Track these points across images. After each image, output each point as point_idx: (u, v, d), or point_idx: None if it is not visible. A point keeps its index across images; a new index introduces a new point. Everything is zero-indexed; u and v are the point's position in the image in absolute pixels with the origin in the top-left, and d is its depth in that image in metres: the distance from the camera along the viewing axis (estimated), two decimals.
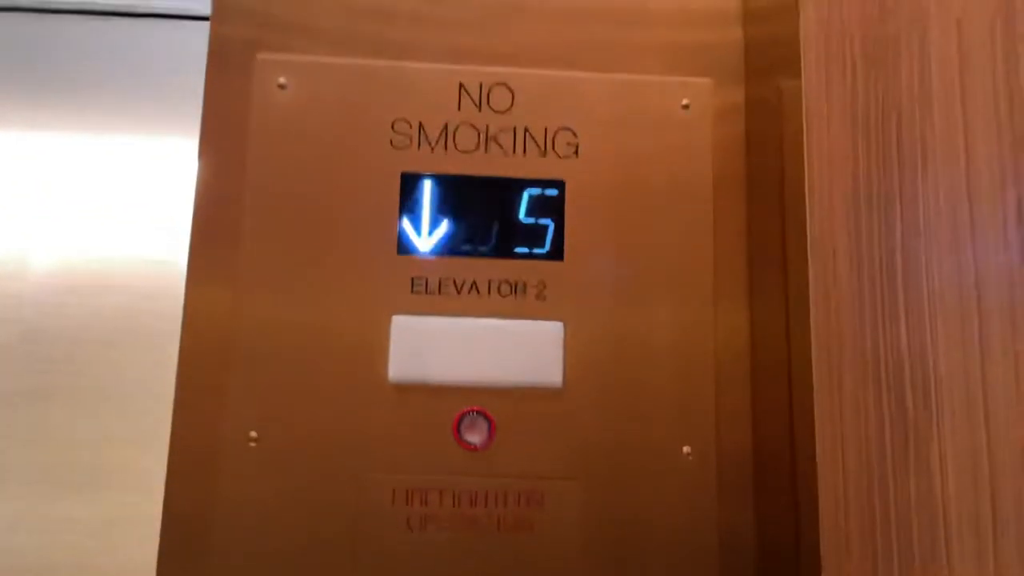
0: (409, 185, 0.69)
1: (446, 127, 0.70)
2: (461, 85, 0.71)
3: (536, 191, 0.70)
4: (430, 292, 0.68)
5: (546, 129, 0.71)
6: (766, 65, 0.72)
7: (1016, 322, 0.36)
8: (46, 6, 0.95)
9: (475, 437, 0.67)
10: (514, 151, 0.70)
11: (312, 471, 0.65)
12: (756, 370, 0.69)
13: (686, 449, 0.67)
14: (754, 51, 0.74)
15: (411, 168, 0.69)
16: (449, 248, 0.69)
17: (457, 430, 0.66)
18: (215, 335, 0.67)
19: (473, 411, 0.67)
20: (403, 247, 0.69)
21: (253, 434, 0.65)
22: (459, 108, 0.71)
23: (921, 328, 0.42)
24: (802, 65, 0.58)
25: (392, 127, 0.70)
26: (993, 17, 0.38)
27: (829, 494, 0.50)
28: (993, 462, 0.37)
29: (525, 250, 0.69)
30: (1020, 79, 0.37)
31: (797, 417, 0.62)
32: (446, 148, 0.70)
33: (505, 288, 0.69)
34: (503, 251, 0.69)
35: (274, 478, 0.65)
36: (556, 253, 0.69)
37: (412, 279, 0.68)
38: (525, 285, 0.69)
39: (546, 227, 0.69)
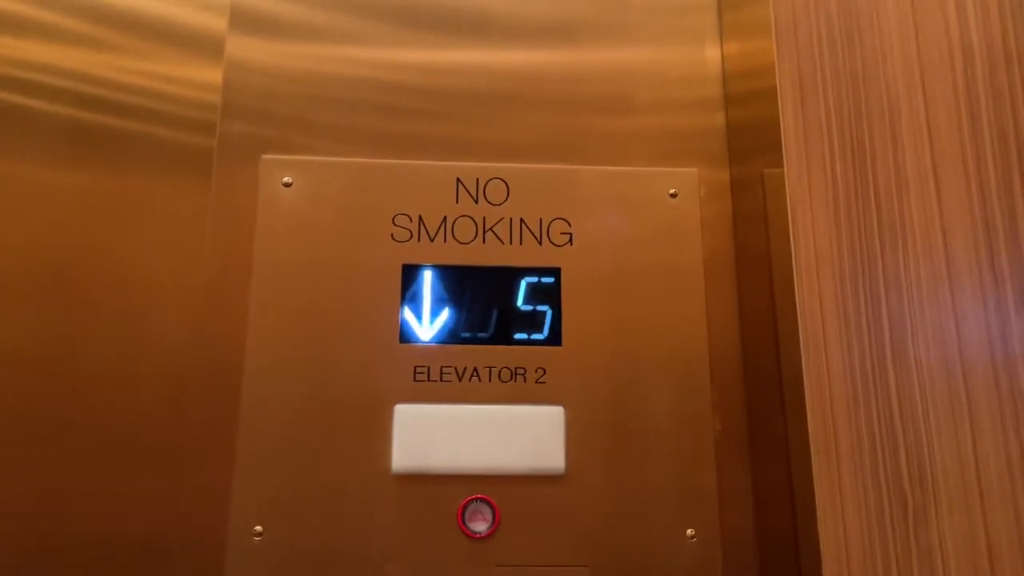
0: (410, 276, 0.71)
1: (445, 220, 0.73)
2: (459, 180, 0.74)
3: (533, 279, 0.72)
4: (432, 380, 0.69)
5: (541, 219, 0.73)
6: (749, 148, 0.75)
7: (1003, 406, 0.37)
8: None
9: (479, 526, 0.66)
10: (511, 241, 0.73)
11: (317, 565, 0.65)
12: (755, 450, 0.69)
13: (690, 532, 0.67)
14: (737, 135, 0.77)
15: (412, 260, 0.72)
16: (450, 336, 0.70)
17: (461, 519, 0.66)
18: (219, 427, 0.67)
19: (477, 499, 0.67)
20: (405, 336, 0.70)
21: (258, 528, 0.65)
22: (457, 201, 0.73)
23: (914, 413, 0.44)
24: (783, 152, 0.61)
25: (393, 221, 0.72)
26: (960, 112, 0.41)
27: None
28: (991, 546, 0.38)
29: (524, 336, 0.71)
30: (988, 168, 0.39)
31: (798, 497, 0.62)
32: (445, 240, 0.72)
33: (505, 374, 0.70)
34: (502, 338, 0.71)
35: (279, 572, 0.65)
36: (554, 339, 0.71)
37: (414, 368, 0.69)
38: (525, 371, 0.70)
39: (544, 313, 0.71)
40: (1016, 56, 0.37)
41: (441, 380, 0.69)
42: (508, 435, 0.68)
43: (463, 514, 0.67)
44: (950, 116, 0.41)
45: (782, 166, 0.60)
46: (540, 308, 0.71)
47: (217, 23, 0.76)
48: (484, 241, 0.73)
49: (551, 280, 0.72)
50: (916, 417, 0.43)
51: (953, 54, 0.41)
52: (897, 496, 0.44)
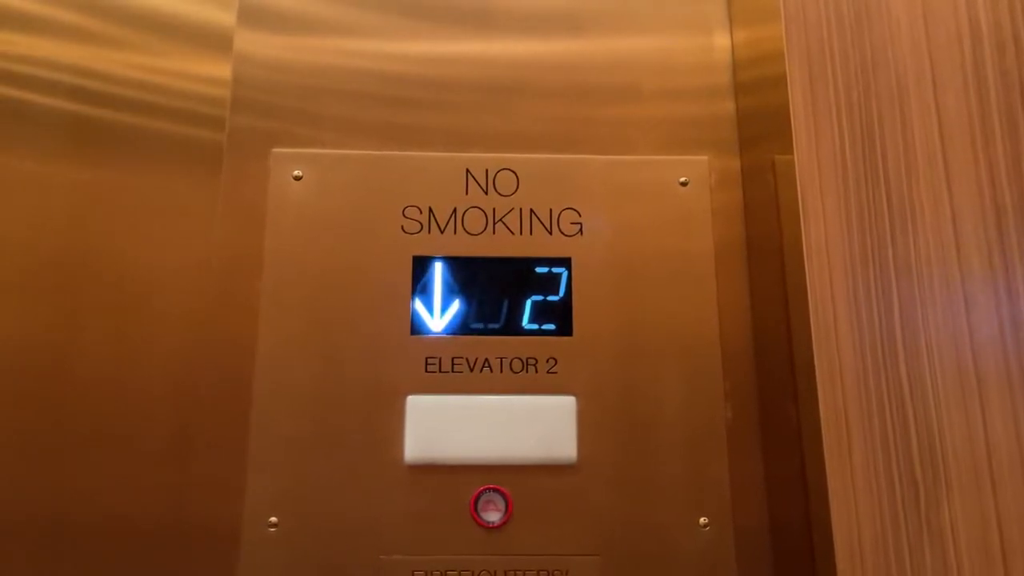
0: (421, 267, 0.72)
1: (455, 211, 0.73)
2: (468, 171, 0.74)
3: (544, 269, 0.72)
4: (444, 371, 0.70)
5: (551, 210, 0.73)
6: (759, 135, 0.75)
7: (1014, 389, 0.37)
8: None
9: (492, 515, 0.67)
10: (521, 232, 0.73)
11: (332, 555, 0.66)
12: (767, 437, 0.69)
13: (703, 520, 0.67)
14: (747, 122, 0.77)
15: (422, 251, 0.72)
16: (461, 327, 0.71)
17: (474, 509, 0.67)
18: (232, 419, 0.68)
19: (490, 489, 0.67)
20: (416, 328, 0.70)
21: (273, 519, 0.66)
22: (467, 192, 0.74)
23: (924, 397, 0.44)
24: (793, 138, 0.60)
25: (403, 212, 0.73)
26: (968, 94, 0.41)
27: (846, 564, 0.50)
28: (1002, 527, 0.38)
29: (535, 327, 0.71)
30: (996, 150, 0.39)
31: (811, 484, 0.62)
32: (455, 231, 0.72)
33: (517, 364, 0.70)
34: (513, 329, 0.71)
35: (294, 563, 0.65)
36: (565, 329, 0.71)
37: (426, 359, 0.70)
38: (536, 361, 0.70)
39: (555, 304, 0.71)
40: None
41: (453, 371, 0.70)
42: (520, 425, 0.68)
43: (476, 504, 0.67)
44: (958, 98, 0.41)
45: (792, 153, 0.60)
46: (551, 298, 0.71)
47: (226, 18, 0.77)
48: (494, 232, 0.73)
49: (562, 270, 0.72)
50: (927, 401, 0.43)
51: (961, 36, 0.41)
52: (908, 480, 0.44)
